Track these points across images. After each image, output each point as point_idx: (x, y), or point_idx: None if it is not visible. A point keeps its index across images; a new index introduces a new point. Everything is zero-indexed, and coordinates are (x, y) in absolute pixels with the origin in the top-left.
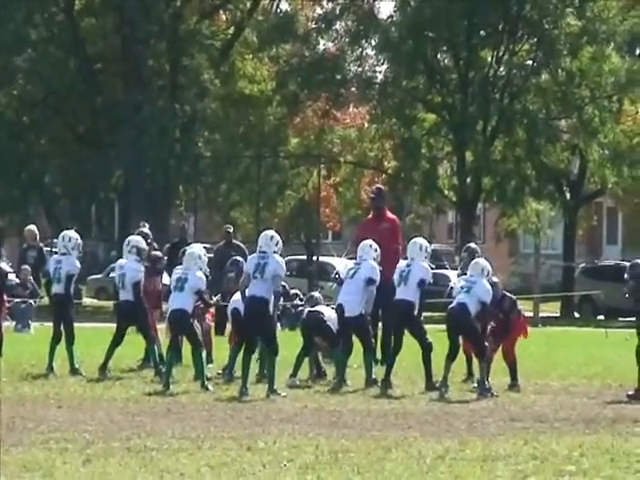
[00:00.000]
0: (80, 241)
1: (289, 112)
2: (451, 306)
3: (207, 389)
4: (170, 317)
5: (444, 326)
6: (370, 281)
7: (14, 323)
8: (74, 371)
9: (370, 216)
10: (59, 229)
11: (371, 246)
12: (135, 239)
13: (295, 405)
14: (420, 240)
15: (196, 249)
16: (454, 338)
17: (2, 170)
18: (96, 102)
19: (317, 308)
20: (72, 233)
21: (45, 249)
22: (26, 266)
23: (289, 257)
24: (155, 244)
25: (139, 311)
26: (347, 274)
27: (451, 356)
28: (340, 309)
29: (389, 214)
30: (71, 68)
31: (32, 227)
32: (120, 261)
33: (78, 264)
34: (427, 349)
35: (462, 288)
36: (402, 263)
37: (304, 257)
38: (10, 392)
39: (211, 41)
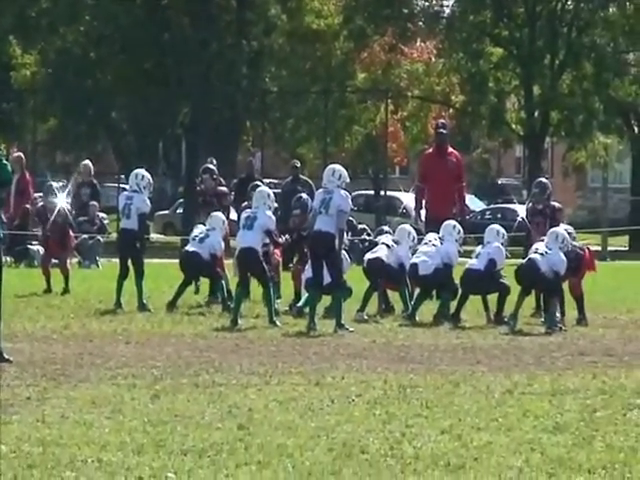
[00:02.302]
0: (152, 181)
1: (356, 47)
2: (523, 263)
3: (275, 324)
4: (239, 255)
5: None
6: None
7: (80, 259)
8: (142, 307)
9: (431, 150)
10: (126, 165)
11: (454, 227)
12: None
13: (363, 340)
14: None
15: (265, 188)
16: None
17: (69, 106)
18: (163, 38)
19: (376, 254)
20: (144, 172)
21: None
22: (94, 202)
23: (356, 192)
24: (222, 179)
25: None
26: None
27: (523, 294)
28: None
29: (451, 149)
30: (138, 4)
31: (87, 162)
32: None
33: (149, 203)
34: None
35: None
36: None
37: (371, 192)
38: (78, 328)
39: None
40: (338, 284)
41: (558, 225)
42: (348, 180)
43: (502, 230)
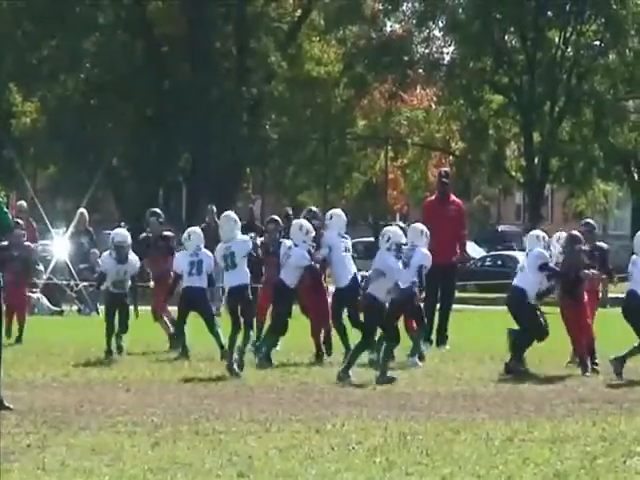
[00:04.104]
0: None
1: (356, 94)
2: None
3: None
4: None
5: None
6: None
7: (81, 306)
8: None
9: (433, 197)
10: (126, 212)
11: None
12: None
13: (363, 388)
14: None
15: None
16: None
17: (69, 153)
18: (163, 85)
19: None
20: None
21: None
22: (95, 249)
23: (356, 239)
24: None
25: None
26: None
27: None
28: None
29: (453, 197)
30: (138, 51)
31: (83, 211)
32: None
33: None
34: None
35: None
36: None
37: (371, 239)
38: (78, 376)
39: (278, 23)
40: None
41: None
42: (312, 235)
43: (542, 234)
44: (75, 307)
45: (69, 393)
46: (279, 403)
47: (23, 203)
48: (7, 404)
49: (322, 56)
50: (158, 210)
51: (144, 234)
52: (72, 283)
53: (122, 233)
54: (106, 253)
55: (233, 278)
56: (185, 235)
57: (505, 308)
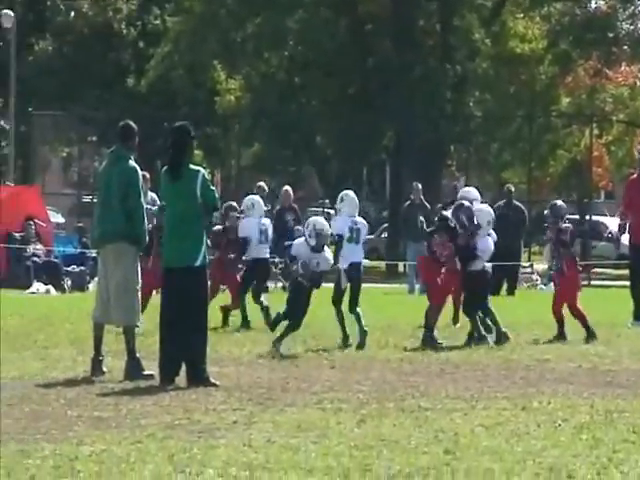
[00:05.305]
0: None
1: (560, 71)
2: None
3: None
4: None
5: None
6: None
7: (285, 283)
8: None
9: (636, 175)
10: (330, 190)
11: None
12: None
13: (569, 365)
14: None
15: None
16: None
17: (273, 131)
18: (367, 63)
19: None
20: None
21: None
22: (299, 227)
23: None
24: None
25: None
26: None
27: None
28: None
29: None
30: (342, 29)
31: (288, 188)
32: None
33: None
34: None
35: None
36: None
37: (576, 217)
38: (284, 353)
39: (482, 1)
40: None
41: None
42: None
43: None
44: (280, 284)
45: (275, 370)
46: (484, 380)
47: (262, 184)
48: (213, 380)
49: (526, 33)
50: (234, 204)
51: (219, 227)
52: (277, 260)
53: (322, 221)
54: (301, 239)
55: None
56: (248, 203)
57: None
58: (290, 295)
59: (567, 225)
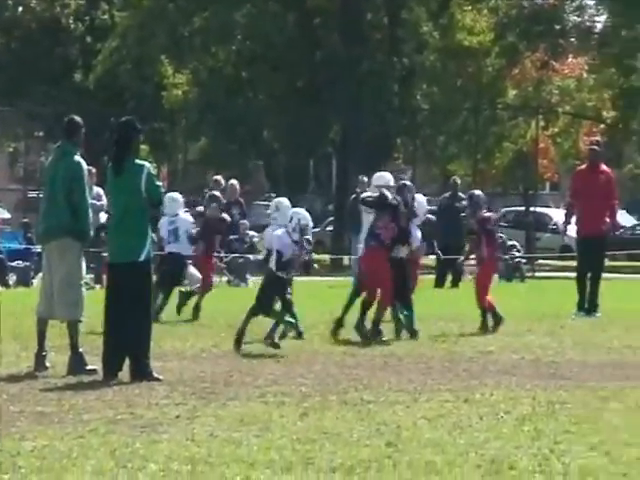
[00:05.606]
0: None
1: (507, 63)
2: None
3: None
4: None
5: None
6: None
7: (230, 277)
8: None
9: (584, 166)
10: (276, 184)
11: None
12: None
13: (512, 357)
14: None
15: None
16: None
17: (220, 125)
18: (314, 57)
19: None
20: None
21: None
22: (244, 221)
23: (506, 209)
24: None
25: None
26: None
27: None
28: None
29: (604, 166)
30: (290, 23)
31: (234, 182)
32: None
33: None
34: None
35: None
36: None
37: (521, 208)
38: (227, 347)
39: None
40: None
41: None
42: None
43: None
44: (225, 278)
45: (219, 364)
46: (428, 373)
47: (219, 178)
48: (157, 375)
49: (474, 25)
50: (217, 193)
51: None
52: (222, 254)
53: (307, 215)
54: (282, 230)
55: None
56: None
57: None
58: (264, 287)
59: (490, 214)
